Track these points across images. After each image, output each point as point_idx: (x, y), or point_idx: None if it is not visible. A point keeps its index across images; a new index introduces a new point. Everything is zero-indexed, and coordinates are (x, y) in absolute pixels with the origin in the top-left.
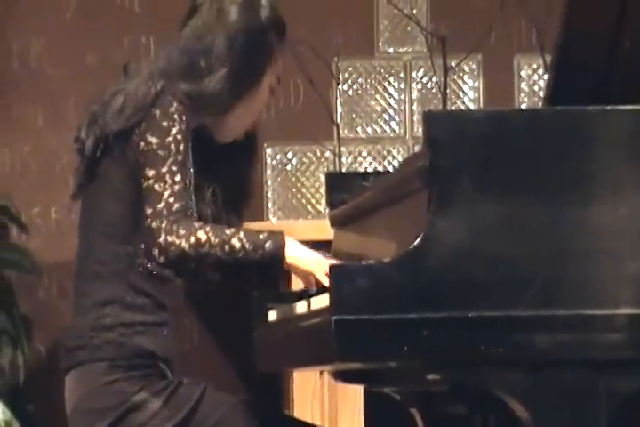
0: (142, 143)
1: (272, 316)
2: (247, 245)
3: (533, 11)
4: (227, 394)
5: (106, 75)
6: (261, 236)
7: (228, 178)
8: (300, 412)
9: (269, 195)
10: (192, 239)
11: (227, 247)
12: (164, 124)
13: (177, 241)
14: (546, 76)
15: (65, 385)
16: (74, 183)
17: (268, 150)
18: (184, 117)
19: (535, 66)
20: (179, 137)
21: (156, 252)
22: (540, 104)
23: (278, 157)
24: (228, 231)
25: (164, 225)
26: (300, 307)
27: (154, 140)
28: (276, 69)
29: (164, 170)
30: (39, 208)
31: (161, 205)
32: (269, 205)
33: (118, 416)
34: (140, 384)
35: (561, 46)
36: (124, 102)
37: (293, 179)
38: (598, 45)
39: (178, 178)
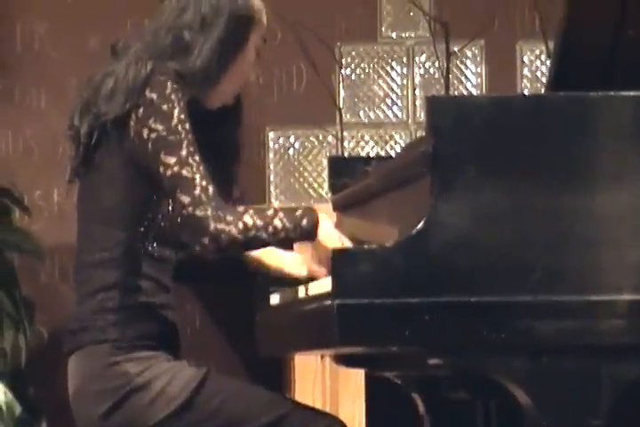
0: (145, 130)
1: (274, 300)
2: (287, 224)
3: None
4: (230, 378)
5: (108, 57)
6: (298, 213)
7: (217, 142)
8: (301, 396)
9: (272, 179)
10: (240, 225)
11: (270, 228)
12: (165, 107)
13: (227, 228)
14: (548, 62)
15: (68, 367)
16: (69, 169)
17: (271, 134)
18: (180, 95)
19: (538, 52)
20: (182, 117)
21: (206, 240)
22: (543, 90)
23: (281, 140)
24: (268, 212)
25: (209, 213)
26: (301, 291)
27: (160, 126)
28: (260, 30)
29: (184, 153)
30: (42, 191)
31: (198, 191)
32: (272, 188)
33: (122, 397)
34: (143, 365)
35: (563, 32)
36: (115, 86)
37: (296, 163)
38: (601, 31)
39: (198, 158)
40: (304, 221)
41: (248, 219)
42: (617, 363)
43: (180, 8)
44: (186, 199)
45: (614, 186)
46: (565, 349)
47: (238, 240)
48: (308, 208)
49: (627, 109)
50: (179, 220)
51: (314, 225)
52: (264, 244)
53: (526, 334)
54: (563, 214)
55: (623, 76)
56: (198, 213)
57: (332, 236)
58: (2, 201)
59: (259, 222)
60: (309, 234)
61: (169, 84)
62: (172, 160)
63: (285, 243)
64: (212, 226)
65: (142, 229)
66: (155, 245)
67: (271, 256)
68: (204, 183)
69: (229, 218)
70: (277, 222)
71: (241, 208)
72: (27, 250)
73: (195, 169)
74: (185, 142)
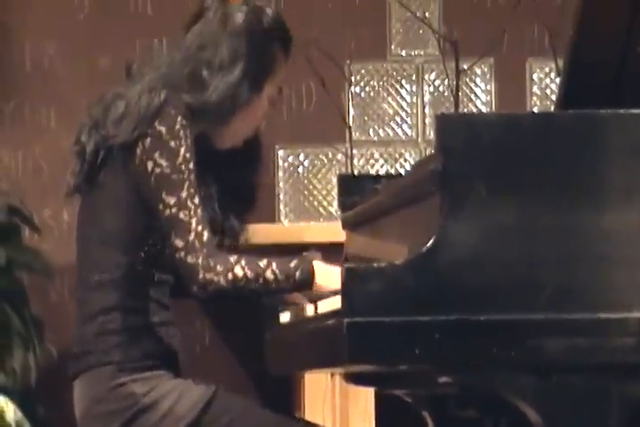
0: (150, 163)
1: (284, 318)
2: (280, 276)
3: (546, 14)
4: (238, 396)
5: (118, 77)
6: (292, 264)
7: (230, 182)
8: (311, 414)
9: (281, 197)
10: (230, 276)
11: (261, 280)
12: (172, 144)
13: (215, 278)
14: (558, 80)
15: (73, 391)
16: (69, 183)
17: (280, 152)
18: (188, 132)
19: (547, 69)
20: (187, 155)
21: (195, 288)
22: (552, 108)
23: (290, 159)
24: (261, 264)
25: (200, 261)
26: (311, 309)
27: (164, 162)
28: (277, 80)
29: (184, 195)
30: (51, 210)
31: (192, 237)
32: (281, 207)
33: (129, 418)
34: (149, 385)
35: (573, 50)
36: (126, 110)
37: (305, 181)
38: (610, 49)
39: (197, 200)
40: (297, 273)
41: (239, 270)
42: (627, 381)
43: (199, 43)
44: (179, 243)
45: (624, 204)
46: (575, 367)
47: (226, 291)
48: (304, 258)
49: (637, 127)
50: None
51: (309, 275)
52: (254, 294)
53: (536, 352)
54: (573, 232)
55: (633, 93)
56: (189, 259)
57: (330, 281)
58: (11, 220)
59: (249, 274)
60: (304, 284)
61: (179, 118)
62: (171, 200)
63: (281, 292)
64: (200, 275)
65: (143, 254)
66: (154, 270)
67: None
68: (199, 228)
69: (219, 268)
70: (269, 274)
71: (234, 257)
72: (36, 269)
73: (192, 213)
74: (187, 183)
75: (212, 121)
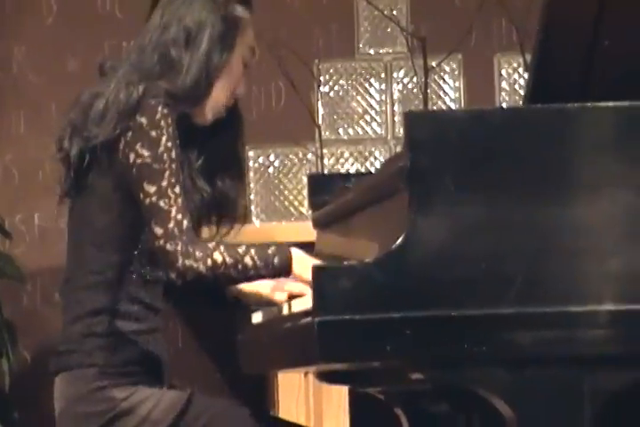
0: (132, 155)
1: (256, 318)
2: (258, 263)
3: (513, 10)
4: (214, 398)
5: (87, 80)
6: (270, 251)
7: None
8: (285, 413)
9: (252, 197)
10: (209, 262)
11: (240, 266)
12: (153, 134)
13: (194, 264)
14: (526, 75)
15: (54, 386)
16: (60, 192)
17: (250, 153)
18: (170, 121)
19: (516, 64)
20: (169, 144)
21: (173, 275)
22: (521, 102)
23: (260, 159)
24: (240, 249)
25: (179, 248)
26: (284, 309)
27: (146, 152)
28: (246, 39)
29: (165, 184)
30: (22, 215)
31: (171, 225)
32: (252, 207)
33: (107, 421)
34: (129, 391)
35: (540, 44)
36: (105, 108)
37: (276, 181)
38: (577, 43)
39: (177, 189)
40: (276, 259)
41: (218, 256)
42: (599, 374)
43: (163, 25)
44: (159, 231)
45: (593, 197)
46: (547, 360)
47: (205, 277)
48: (282, 245)
49: (604, 120)
50: (151, 248)
51: (287, 262)
52: (233, 281)
53: (507, 346)
54: (542, 227)
55: (600, 86)
56: (169, 247)
57: (308, 269)
58: None
59: (228, 260)
60: (282, 271)
61: (160, 108)
62: (152, 189)
63: (256, 280)
64: (180, 261)
65: (136, 251)
66: (148, 267)
67: (251, 284)
68: (179, 217)
69: (198, 255)
70: (248, 260)
71: (212, 244)
72: (8, 274)
73: (172, 201)
74: (167, 172)
75: (193, 100)
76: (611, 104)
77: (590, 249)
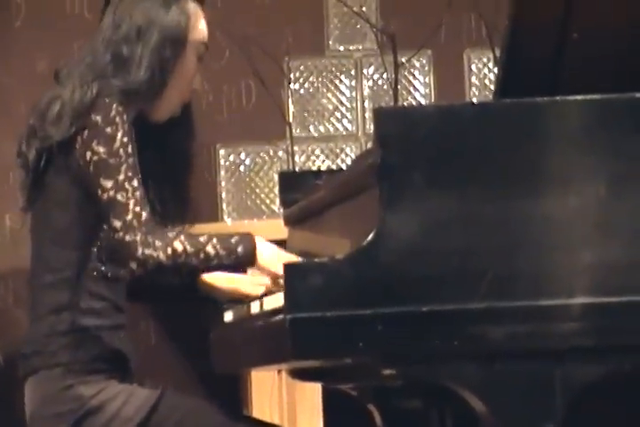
0: (89, 153)
1: (227, 316)
2: (221, 252)
3: (482, 5)
4: (185, 396)
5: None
6: (233, 240)
7: (169, 183)
8: (258, 411)
9: (223, 196)
10: (169, 250)
11: (202, 255)
12: (109, 130)
13: (154, 254)
14: (496, 70)
15: (24, 392)
16: (22, 197)
17: (221, 151)
18: (125, 118)
19: (485, 59)
20: (125, 140)
21: (134, 265)
22: (491, 97)
23: (231, 157)
24: (201, 239)
25: (138, 238)
26: (255, 307)
27: (101, 149)
28: (198, 35)
29: (121, 178)
30: None
31: (130, 217)
32: (224, 206)
33: (77, 420)
34: (97, 388)
35: (509, 39)
36: (61, 109)
37: (247, 179)
38: (546, 37)
39: (135, 183)
40: (239, 248)
41: (178, 244)
42: (570, 366)
43: (115, 24)
44: (117, 224)
45: (562, 190)
46: (518, 354)
47: (166, 266)
48: (246, 234)
49: (574, 114)
50: (110, 243)
51: (251, 251)
52: (194, 270)
53: (479, 340)
54: (512, 221)
55: (570, 80)
56: (127, 238)
57: (274, 259)
58: None
59: (189, 248)
60: (247, 260)
61: (114, 106)
62: (109, 184)
63: (219, 269)
64: (139, 251)
65: (95, 249)
66: (107, 264)
67: (225, 279)
68: (137, 209)
69: (158, 243)
70: (210, 249)
71: (173, 233)
72: None
73: (130, 194)
74: (124, 166)
75: (146, 97)
76: (580, 98)
77: (561, 243)
